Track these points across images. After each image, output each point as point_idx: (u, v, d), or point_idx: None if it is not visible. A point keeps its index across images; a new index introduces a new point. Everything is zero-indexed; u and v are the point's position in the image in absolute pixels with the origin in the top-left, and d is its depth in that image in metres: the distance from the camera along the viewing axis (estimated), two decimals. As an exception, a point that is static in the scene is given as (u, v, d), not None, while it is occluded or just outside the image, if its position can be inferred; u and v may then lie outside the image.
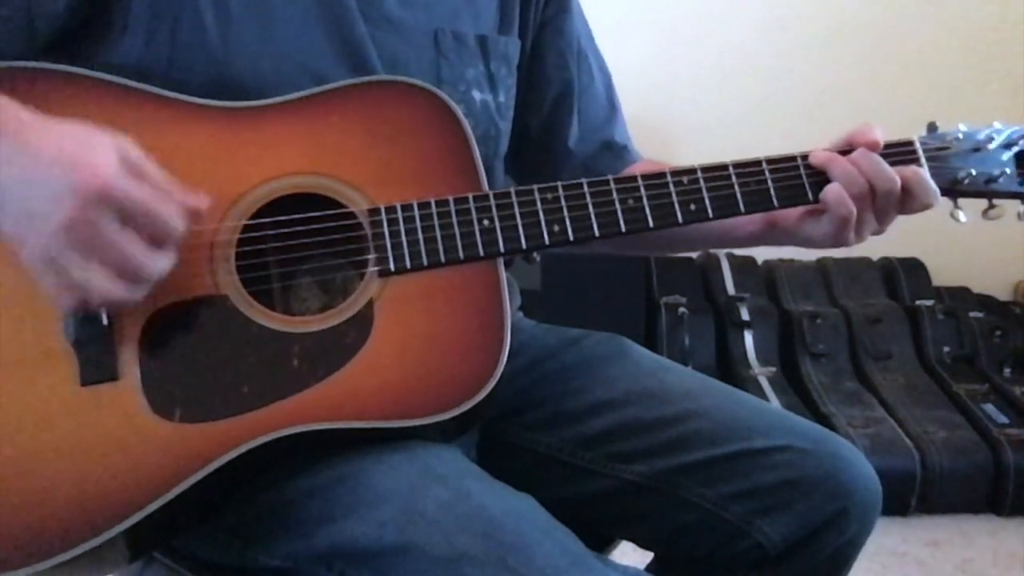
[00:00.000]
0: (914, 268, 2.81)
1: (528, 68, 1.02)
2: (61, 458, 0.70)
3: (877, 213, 0.86)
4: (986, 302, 2.82)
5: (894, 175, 0.84)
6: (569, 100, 1.05)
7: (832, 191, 0.85)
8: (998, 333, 2.62)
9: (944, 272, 2.84)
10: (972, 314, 2.68)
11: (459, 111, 0.83)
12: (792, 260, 2.82)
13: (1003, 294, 2.94)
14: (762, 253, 2.81)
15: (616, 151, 1.07)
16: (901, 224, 0.89)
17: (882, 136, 0.87)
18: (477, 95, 0.93)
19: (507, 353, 0.76)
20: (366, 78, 0.84)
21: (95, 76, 0.78)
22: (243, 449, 0.71)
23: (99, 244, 0.65)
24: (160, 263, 0.68)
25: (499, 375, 0.75)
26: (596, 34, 1.08)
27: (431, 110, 0.83)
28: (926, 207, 0.87)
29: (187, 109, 0.79)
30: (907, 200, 0.86)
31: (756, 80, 2.81)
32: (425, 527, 0.68)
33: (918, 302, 2.69)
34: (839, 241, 0.87)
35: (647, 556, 1.02)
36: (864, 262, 2.83)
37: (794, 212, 0.90)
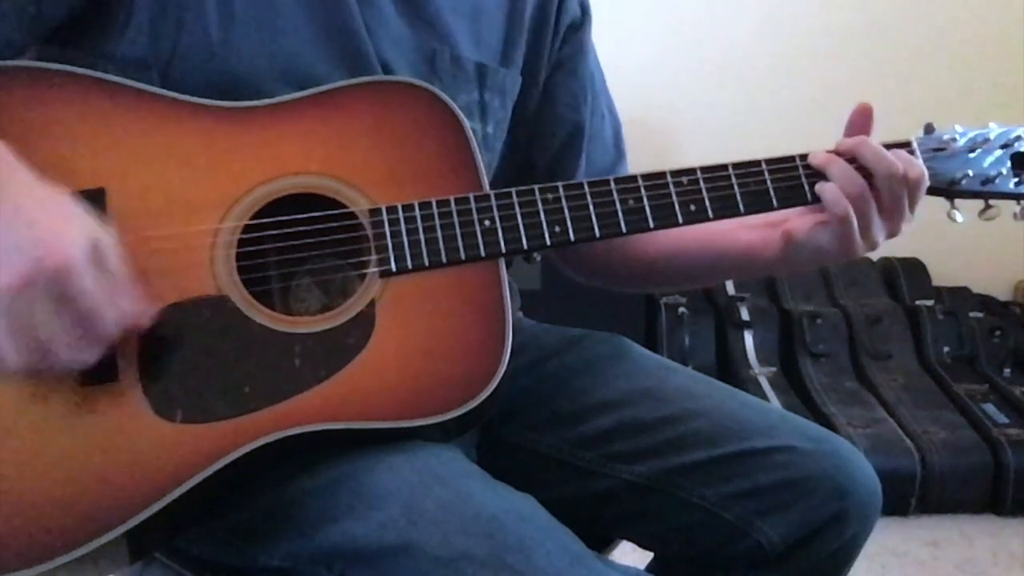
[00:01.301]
0: (914, 268, 2.81)
1: (539, 106, 1.02)
2: (62, 460, 0.70)
3: (884, 209, 0.85)
4: (986, 302, 2.82)
5: (897, 162, 0.83)
6: (578, 142, 1.04)
7: (828, 188, 0.84)
8: (998, 333, 2.62)
9: (944, 272, 2.83)
10: (972, 314, 2.68)
11: (459, 111, 0.83)
12: (792, 260, 2.81)
13: (1003, 294, 2.94)
14: (762, 253, 2.80)
15: None
16: (901, 224, 0.89)
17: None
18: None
19: (509, 353, 0.76)
20: (367, 78, 0.84)
21: (95, 76, 0.78)
22: (245, 450, 0.71)
23: (27, 322, 0.62)
24: (74, 359, 0.66)
25: (501, 376, 0.75)
26: (597, 33, 1.08)
27: (432, 110, 0.83)
28: (917, 182, 0.85)
29: (188, 109, 0.79)
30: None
31: (757, 81, 2.80)
32: (425, 527, 0.68)
33: (918, 302, 2.69)
34: (845, 245, 0.85)
35: (647, 556, 1.02)
36: (864, 262, 2.82)
37: (806, 224, 0.88)
